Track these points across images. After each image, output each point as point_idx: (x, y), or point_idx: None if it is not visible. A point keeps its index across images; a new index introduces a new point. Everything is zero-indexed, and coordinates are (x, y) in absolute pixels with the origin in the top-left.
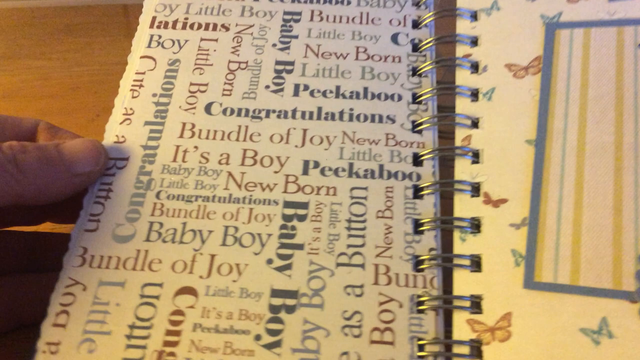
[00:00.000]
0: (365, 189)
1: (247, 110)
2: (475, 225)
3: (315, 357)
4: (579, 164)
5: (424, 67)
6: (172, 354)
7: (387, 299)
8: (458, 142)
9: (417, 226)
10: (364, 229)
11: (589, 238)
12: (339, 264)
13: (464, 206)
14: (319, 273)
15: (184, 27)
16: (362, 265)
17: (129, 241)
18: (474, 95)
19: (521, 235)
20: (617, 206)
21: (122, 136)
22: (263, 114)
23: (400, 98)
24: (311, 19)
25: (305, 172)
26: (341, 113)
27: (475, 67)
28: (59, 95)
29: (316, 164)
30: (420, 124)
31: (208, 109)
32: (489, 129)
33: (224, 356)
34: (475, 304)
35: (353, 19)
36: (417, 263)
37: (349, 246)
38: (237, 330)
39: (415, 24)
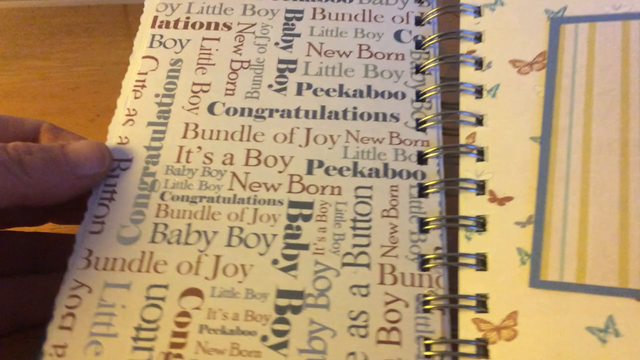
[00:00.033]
0: (370, 188)
1: (250, 110)
2: (481, 224)
3: (322, 358)
4: (585, 160)
5: (428, 64)
6: (178, 355)
7: (393, 299)
8: (462, 139)
9: (423, 225)
10: (369, 228)
11: (595, 236)
12: (344, 264)
13: (469, 204)
14: (325, 273)
15: (185, 27)
16: (367, 265)
17: (134, 243)
18: (478, 92)
19: (527, 233)
20: (623, 203)
21: (125, 137)
22: (266, 114)
23: (403, 96)
24: (313, 17)
25: (310, 171)
26: (345, 112)
27: (479, 64)
28: (59, 95)
29: (320, 164)
30: (425, 121)
31: (211, 109)
32: (493, 126)
33: (230, 357)
34: (481, 303)
35: (355, 16)
36: (423, 262)
37: (355, 246)
38: (244, 331)
39: (418, 21)
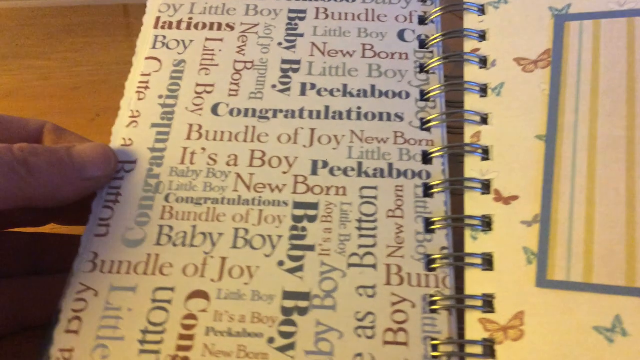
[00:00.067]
0: (375, 188)
1: (254, 111)
2: (486, 223)
3: (329, 359)
4: (591, 159)
5: (432, 63)
6: (185, 358)
7: (400, 300)
8: (467, 138)
9: (428, 225)
10: (374, 228)
11: (601, 234)
12: (350, 265)
13: (474, 204)
14: (331, 274)
15: (188, 27)
16: (373, 266)
17: (139, 245)
18: (483, 90)
19: (533, 232)
20: (630, 201)
21: (129, 139)
22: (270, 114)
23: (408, 95)
24: (316, 17)
25: (314, 172)
26: (349, 112)
27: (483, 62)
28: (59, 95)
29: (325, 164)
30: (429, 121)
31: (215, 109)
32: (498, 125)
33: None
34: (488, 303)
35: (359, 16)
36: (429, 262)
37: (360, 246)
38: (250, 334)
39: (422, 20)
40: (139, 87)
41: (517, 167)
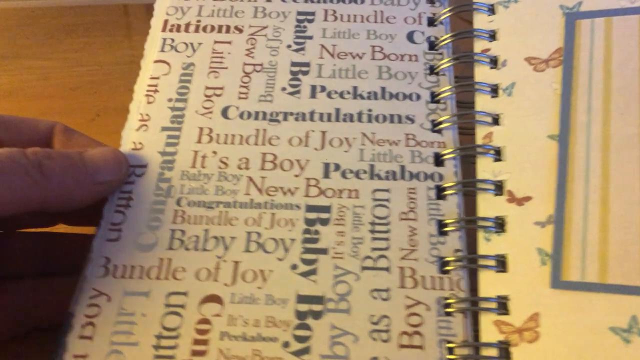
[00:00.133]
0: (388, 190)
1: (265, 114)
2: (500, 225)
3: None
4: (604, 158)
5: (442, 64)
6: None
7: (414, 302)
8: (479, 139)
9: (441, 227)
10: (387, 231)
11: (616, 234)
12: (364, 268)
13: (487, 205)
14: (345, 277)
15: (196, 30)
16: (387, 269)
17: (151, 250)
18: (494, 91)
19: (547, 233)
20: None
21: (140, 143)
22: (281, 117)
23: (418, 97)
24: (325, 19)
25: (326, 175)
26: (359, 114)
27: (494, 62)
28: (59, 95)
29: (337, 167)
30: (440, 123)
31: (225, 113)
32: (510, 125)
33: None
34: (502, 305)
35: (367, 17)
36: (443, 265)
37: (374, 249)
38: (265, 338)
39: (431, 21)
40: (148, 91)
41: (529, 167)
